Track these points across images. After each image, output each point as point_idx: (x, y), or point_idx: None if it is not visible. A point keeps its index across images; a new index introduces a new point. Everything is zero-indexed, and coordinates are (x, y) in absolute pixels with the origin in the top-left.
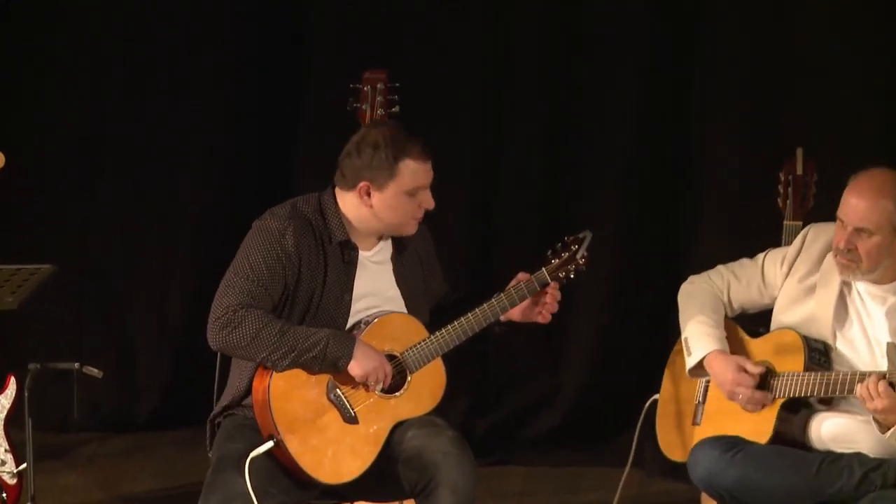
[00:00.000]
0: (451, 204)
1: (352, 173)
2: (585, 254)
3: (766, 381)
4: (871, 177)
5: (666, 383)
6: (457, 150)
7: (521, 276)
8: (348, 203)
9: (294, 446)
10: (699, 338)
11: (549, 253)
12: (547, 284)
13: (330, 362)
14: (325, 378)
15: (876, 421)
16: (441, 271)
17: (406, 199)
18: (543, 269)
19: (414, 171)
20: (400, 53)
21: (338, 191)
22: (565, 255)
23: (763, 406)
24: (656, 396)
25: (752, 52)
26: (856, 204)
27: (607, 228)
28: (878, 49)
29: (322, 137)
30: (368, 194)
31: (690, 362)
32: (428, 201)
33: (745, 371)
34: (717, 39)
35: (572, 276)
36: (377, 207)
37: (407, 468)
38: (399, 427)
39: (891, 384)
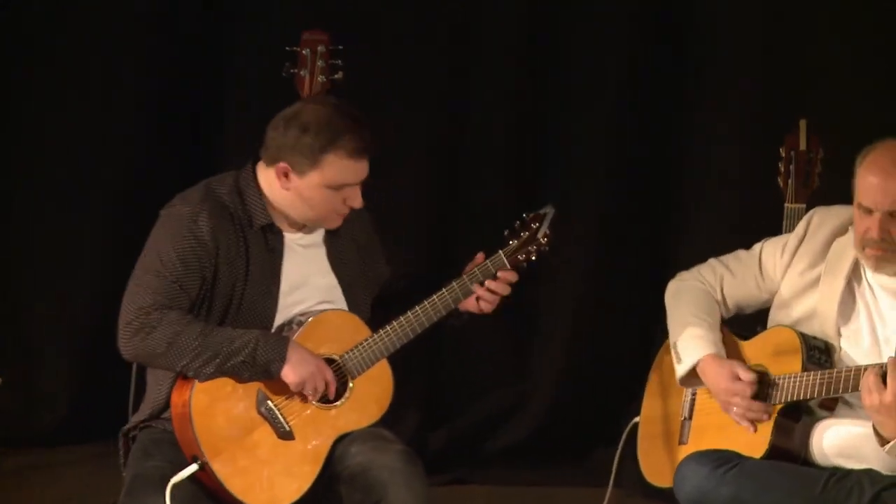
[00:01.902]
0: (421, 191)
1: (274, 150)
2: (548, 231)
3: (763, 389)
4: (889, 150)
5: (647, 401)
6: (430, 135)
7: (479, 257)
8: (268, 181)
9: (221, 469)
10: (690, 341)
11: (506, 233)
12: (504, 268)
13: (260, 367)
14: (253, 389)
15: (876, 433)
16: (384, 254)
17: (327, 193)
18: (500, 251)
19: (340, 167)
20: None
21: (260, 166)
22: (525, 234)
23: (760, 420)
24: (637, 419)
25: (742, 41)
26: (881, 185)
27: (591, 217)
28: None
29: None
30: (287, 177)
31: (681, 370)
32: (354, 199)
33: (739, 378)
34: (704, 31)
35: (534, 257)
36: (294, 194)
37: (350, 488)
38: (341, 441)
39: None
